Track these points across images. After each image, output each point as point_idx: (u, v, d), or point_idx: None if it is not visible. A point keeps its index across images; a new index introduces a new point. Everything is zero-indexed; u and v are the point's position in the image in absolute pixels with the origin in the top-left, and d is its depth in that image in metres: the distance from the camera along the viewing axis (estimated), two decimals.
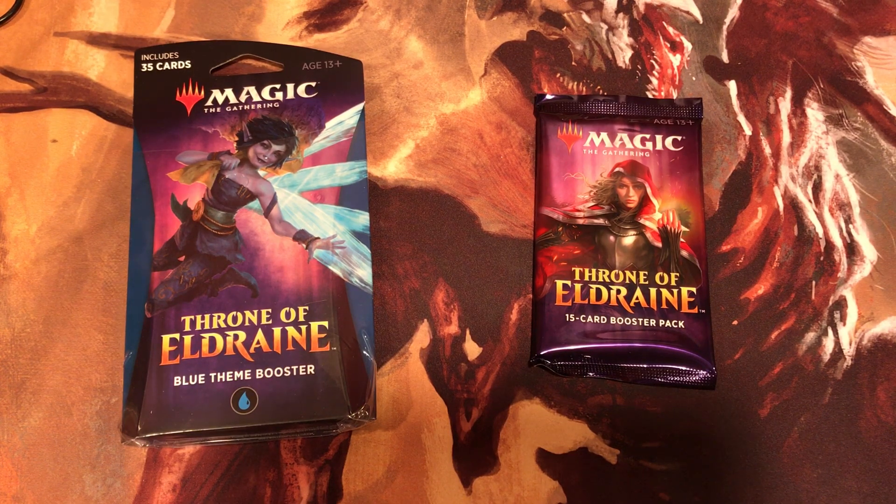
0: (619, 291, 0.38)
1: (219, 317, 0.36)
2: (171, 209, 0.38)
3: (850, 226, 0.41)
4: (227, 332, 0.36)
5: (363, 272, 0.37)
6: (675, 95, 0.44)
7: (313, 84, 0.41)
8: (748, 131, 0.43)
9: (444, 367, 0.38)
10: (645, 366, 0.37)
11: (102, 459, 0.36)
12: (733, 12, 0.46)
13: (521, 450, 0.37)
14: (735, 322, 0.39)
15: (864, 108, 0.44)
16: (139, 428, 0.34)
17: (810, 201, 0.42)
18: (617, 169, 0.40)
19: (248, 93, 0.41)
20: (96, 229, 0.41)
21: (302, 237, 0.38)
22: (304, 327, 0.36)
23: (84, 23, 0.45)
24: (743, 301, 0.40)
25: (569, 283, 0.38)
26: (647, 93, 0.44)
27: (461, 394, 0.38)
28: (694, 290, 0.38)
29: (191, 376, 0.35)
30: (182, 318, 0.36)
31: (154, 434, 0.34)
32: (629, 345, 0.37)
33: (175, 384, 0.35)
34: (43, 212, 0.41)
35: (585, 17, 0.46)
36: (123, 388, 0.35)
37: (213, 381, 0.35)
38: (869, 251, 0.41)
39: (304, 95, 0.41)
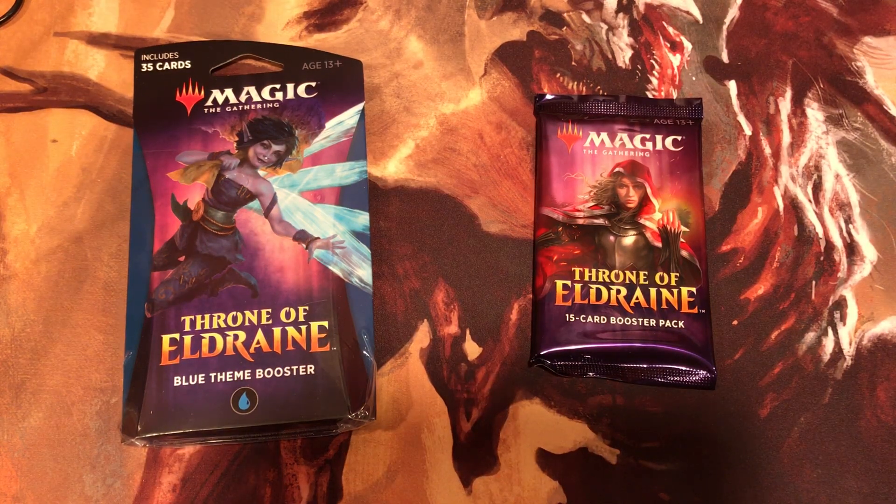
0: (619, 291, 0.38)
1: (219, 317, 0.36)
2: (171, 209, 0.38)
3: (850, 226, 0.41)
4: (227, 332, 0.36)
5: (363, 272, 0.37)
6: (675, 95, 0.44)
7: (313, 84, 0.41)
8: (748, 131, 0.43)
9: (444, 367, 0.38)
10: (645, 366, 0.37)
11: (102, 459, 0.36)
12: (733, 12, 0.46)
13: (521, 450, 0.37)
14: (735, 322, 0.39)
15: (864, 108, 0.44)
16: (139, 428, 0.34)
17: (810, 201, 0.42)
18: (617, 169, 0.40)
19: (248, 93, 0.41)
20: (96, 229, 0.41)
21: (302, 237, 0.38)
22: (304, 327, 0.36)
23: (84, 23, 0.45)
24: (743, 301, 0.40)
25: (569, 283, 0.38)
26: (647, 93, 0.44)
27: (461, 394, 0.38)
28: (694, 290, 0.38)
29: (191, 376, 0.35)
30: (182, 318, 0.36)
31: (154, 434, 0.34)
32: (629, 345, 0.37)
33: (175, 384, 0.35)
34: (43, 212, 0.41)
35: (585, 17, 0.46)
36: (123, 388, 0.35)
37: (213, 381, 0.35)
38: (869, 251, 0.41)
39: (304, 95, 0.41)
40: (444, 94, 0.44)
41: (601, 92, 0.44)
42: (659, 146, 0.41)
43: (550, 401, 0.38)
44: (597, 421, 0.37)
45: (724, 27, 0.46)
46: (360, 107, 0.41)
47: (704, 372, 0.37)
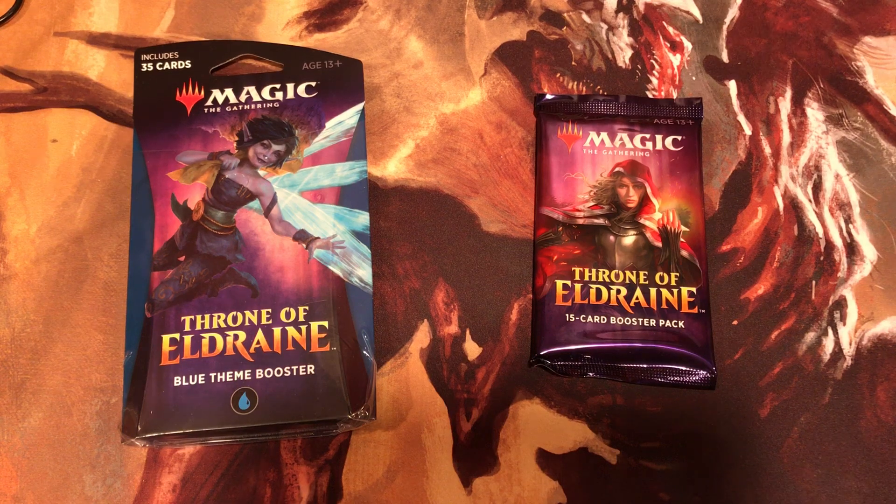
0: (619, 291, 0.38)
1: (219, 317, 0.36)
2: (171, 209, 0.38)
3: (850, 226, 0.41)
4: (227, 332, 0.36)
5: (363, 272, 0.37)
6: (675, 95, 0.44)
7: (313, 84, 0.41)
8: (748, 131, 0.43)
9: (444, 367, 0.38)
10: (645, 366, 0.37)
11: (102, 459, 0.36)
12: (733, 12, 0.46)
13: (521, 450, 0.37)
14: (735, 322, 0.39)
15: (864, 108, 0.44)
16: (139, 428, 0.34)
17: (810, 201, 0.42)
18: (617, 169, 0.40)
19: (248, 93, 0.41)
20: (96, 229, 0.41)
21: (302, 237, 0.38)
22: (304, 327, 0.36)
23: (84, 23, 0.45)
24: (743, 301, 0.40)
25: (569, 282, 0.38)
26: (647, 93, 0.44)
27: (461, 394, 0.38)
28: (694, 290, 0.38)
29: (191, 376, 0.35)
30: (182, 318, 0.36)
31: (154, 434, 0.34)
32: (629, 345, 0.37)
33: (175, 384, 0.35)
34: (43, 212, 0.41)
35: (585, 17, 0.46)
36: (123, 388, 0.35)
37: (213, 381, 0.35)
38: (869, 251, 0.41)
39: (304, 95, 0.41)
40: (444, 94, 0.44)
41: (601, 92, 0.44)
42: (659, 146, 0.41)
43: (550, 401, 0.38)
44: (597, 421, 0.37)
45: (724, 27, 0.46)
46: (360, 107, 0.41)
47: (704, 372, 0.37)
